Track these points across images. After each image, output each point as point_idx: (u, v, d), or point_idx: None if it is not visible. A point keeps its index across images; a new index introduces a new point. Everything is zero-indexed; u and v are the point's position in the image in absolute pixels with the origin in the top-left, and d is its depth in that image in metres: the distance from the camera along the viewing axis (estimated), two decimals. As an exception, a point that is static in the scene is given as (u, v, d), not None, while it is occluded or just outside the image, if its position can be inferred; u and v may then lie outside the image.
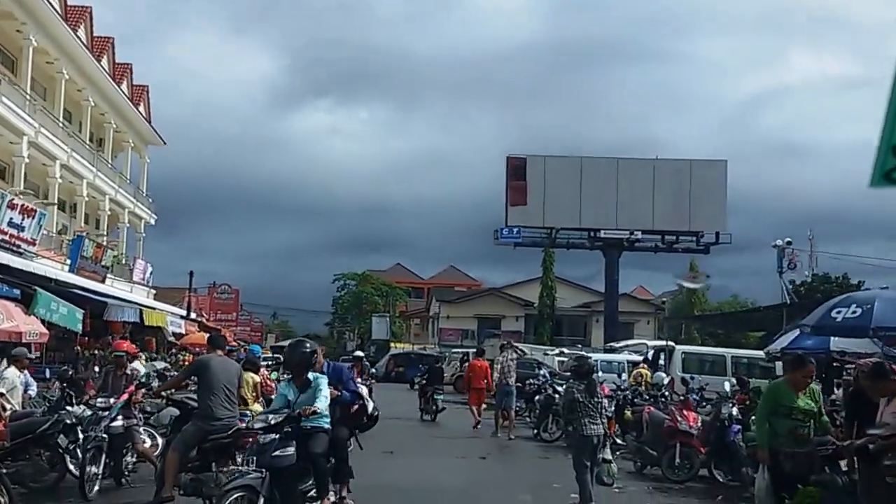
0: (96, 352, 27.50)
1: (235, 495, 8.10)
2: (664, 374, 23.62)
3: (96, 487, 10.85)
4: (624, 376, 27.57)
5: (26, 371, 13.94)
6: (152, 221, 48.72)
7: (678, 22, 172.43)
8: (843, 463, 10.65)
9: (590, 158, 62.56)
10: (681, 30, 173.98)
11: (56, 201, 33.26)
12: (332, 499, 9.38)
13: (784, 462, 8.98)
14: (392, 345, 75.24)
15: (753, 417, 15.28)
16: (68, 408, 11.73)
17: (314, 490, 8.88)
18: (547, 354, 42.81)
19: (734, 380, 18.91)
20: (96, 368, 21.85)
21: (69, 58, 34.48)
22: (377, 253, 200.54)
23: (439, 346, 68.57)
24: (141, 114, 45.30)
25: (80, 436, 11.17)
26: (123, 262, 41.45)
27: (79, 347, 27.52)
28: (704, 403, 18.43)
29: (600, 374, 13.21)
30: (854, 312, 14.40)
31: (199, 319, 49.79)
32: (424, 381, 28.31)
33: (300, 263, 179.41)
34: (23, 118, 29.07)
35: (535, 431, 21.94)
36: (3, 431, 10.03)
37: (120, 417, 11.38)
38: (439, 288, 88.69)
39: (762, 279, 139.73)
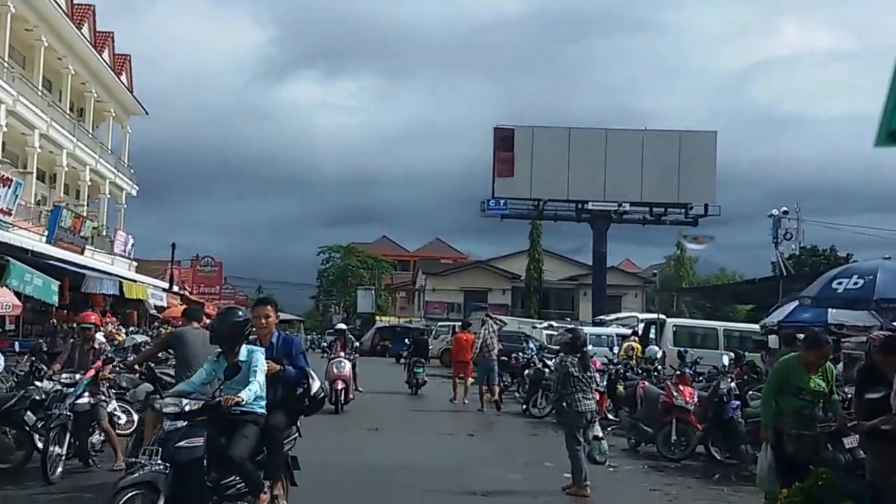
0: (74, 325, 26.86)
1: (131, 493, 6.72)
2: (657, 348, 23.19)
3: (60, 469, 10.20)
4: (616, 350, 27.06)
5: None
6: (134, 192, 48.09)
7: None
8: (846, 441, 10.21)
9: (578, 129, 61.97)
10: (671, 0, 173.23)
11: (35, 171, 32.71)
12: (266, 498, 7.65)
13: (787, 444, 8.45)
14: (377, 318, 74.90)
15: (750, 393, 14.90)
16: (37, 383, 11.05)
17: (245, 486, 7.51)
18: (535, 328, 42.30)
19: (731, 353, 18.47)
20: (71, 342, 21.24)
21: (49, 25, 33.62)
22: (362, 225, 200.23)
23: (425, 319, 68.20)
24: (123, 83, 44.49)
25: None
26: (104, 233, 40.80)
27: (55, 320, 26.88)
28: (700, 378, 17.91)
29: (590, 347, 12.71)
30: (856, 284, 13.87)
31: (181, 292, 49.11)
32: (410, 355, 27.83)
33: (285, 236, 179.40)
34: (1, 86, 28.33)
35: (524, 407, 21.40)
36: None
37: (86, 394, 10.75)
38: (425, 261, 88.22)
39: (750, 252, 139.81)
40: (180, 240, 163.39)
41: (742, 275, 75.05)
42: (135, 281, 35.48)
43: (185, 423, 7.03)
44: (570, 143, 60.12)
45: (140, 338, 23.11)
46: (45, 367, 11.61)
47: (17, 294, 20.00)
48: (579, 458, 10.95)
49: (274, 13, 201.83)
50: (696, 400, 14.33)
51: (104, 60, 40.83)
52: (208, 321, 11.56)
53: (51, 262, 25.23)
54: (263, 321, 8.47)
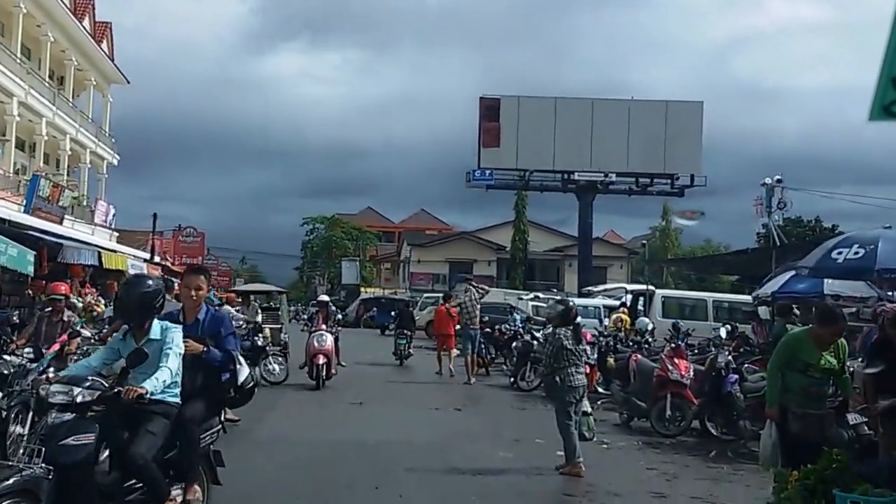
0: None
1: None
2: (647, 320, 22.76)
3: (21, 451, 9.59)
4: (606, 321, 26.64)
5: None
6: (115, 162, 47.35)
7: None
8: (850, 417, 9.81)
9: (564, 99, 61.30)
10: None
11: (13, 139, 32.15)
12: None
13: (792, 422, 7.94)
14: (362, 289, 74.57)
15: (746, 366, 14.47)
16: (5, 357, 10.44)
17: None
18: (521, 299, 41.94)
19: (728, 325, 18.04)
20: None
21: (27, -8, 32.84)
22: (347, 196, 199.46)
23: (410, 290, 67.85)
24: (104, 51, 43.68)
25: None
26: (84, 203, 40.09)
27: (30, 291, 26.26)
28: (693, 350, 17.46)
29: (579, 319, 12.22)
30: (856, 253, 13.39)
31: (163, 263, 48.50)
32: (397, 327, 27.52)
33: (269, 207, 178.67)
34: (-23, 54, 27.58)
35: (512, 380, 20.94)
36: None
37: (51, 370, 10.15)
38: (410, 232, 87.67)
39: (734, 225, 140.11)
40: (163, 210, 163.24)
41: (728, 245, 75.04)
42: (114, 251, 34.88)
43: (72, 416, 5.85)
44: (557, 113, 59.46)
45: (118, 309, 22.53)
46: (10, 340, 11.02)
47: (-6, 265, 19.41)
48: (571, 434, 10.47)
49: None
50: (691, 374, 13.85)
51: (84, 28, 39.96)
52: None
53: (29, 232, 24.69)
54: (193, 293, 7.31)
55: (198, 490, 6.82)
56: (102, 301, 26.92)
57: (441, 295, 27.59)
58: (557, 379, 10.59)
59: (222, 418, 7.70)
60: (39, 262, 22.45)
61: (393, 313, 35.46)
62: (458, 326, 22.69)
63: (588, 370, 12.80)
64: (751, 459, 11.48)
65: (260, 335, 19.10)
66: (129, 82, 47.37)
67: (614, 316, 26.25)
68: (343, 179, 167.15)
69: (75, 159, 42.06)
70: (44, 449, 5.68)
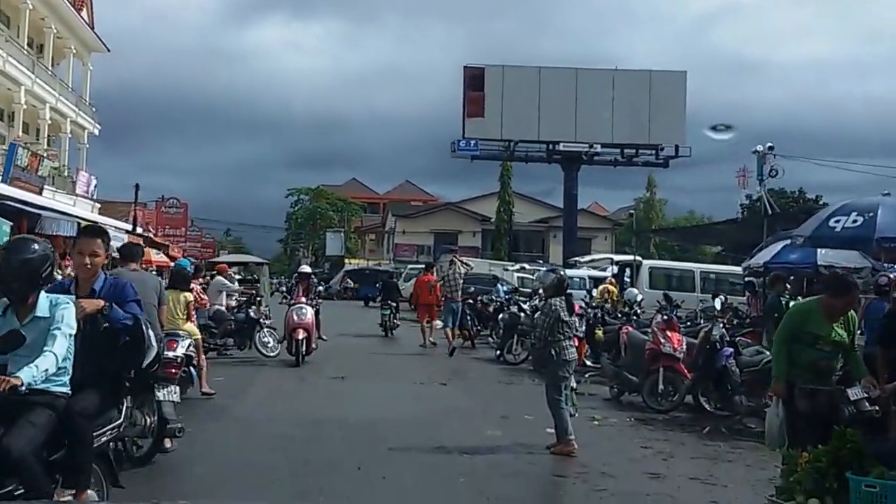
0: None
1: None
2: (636, 291, 22.38)
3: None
4: (595, 293, 26.24)
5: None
6: (96, 132, 46.61)
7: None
8: (850, 392, 9.39)
9: (549, 69, 60.69)
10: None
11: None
12: None
13: (799, 399, 7.49)
14: (347, 261, 74.13)
15: (738, 339, 14.05)
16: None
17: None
18: (507, 270, 41.53)
19: (722, 297, 17.67)
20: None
21: (6, -42, 32.08)
22: (332, 168, 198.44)
23: (394, 261, 67.51)
24: (84, 19, 42.75)
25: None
26: (66, 174, 39.42)
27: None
28: (685, 321, 17.06)
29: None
30: (855, 222, 12.90)
31: (145, 234, 47.90)
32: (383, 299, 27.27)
33: (253, 178, 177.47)
34: (-45, 21, 26.89)
35: (499, 353, 20.44)
36: None
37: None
38: (395, 203, 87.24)
39: (716, 195, 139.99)
40: (146, 181, 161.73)
41: (710, 217, 74.63)
42: (94, 223, 34.27)
43: None
44: (541, 82, 58.91)
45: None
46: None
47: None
48: (562, 411, 10.01)
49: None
50: (684, 347, 13.40)
51: (64, -6, 39.13)
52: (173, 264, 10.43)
53: (5, 202, 24.11)
54: (87, 260, 6.11)
55: (93, 496, 5.48)
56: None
57: (423, 265, 27.26)
58: (553, 352, 10.11)
59: (155, 403, 7.17)
60: (17, 234, 21.94)
61: (378, 284, 35.05)
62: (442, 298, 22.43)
63: (577, 343, 12.36)
64: (747, 436, 11.10)
65: (253, 307, 18.67)
66: (109, 51, 46.54)
67: (601, 287, 25.89)
68: (328, 150, 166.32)
69: (55, 129, 41.26)
70: None
